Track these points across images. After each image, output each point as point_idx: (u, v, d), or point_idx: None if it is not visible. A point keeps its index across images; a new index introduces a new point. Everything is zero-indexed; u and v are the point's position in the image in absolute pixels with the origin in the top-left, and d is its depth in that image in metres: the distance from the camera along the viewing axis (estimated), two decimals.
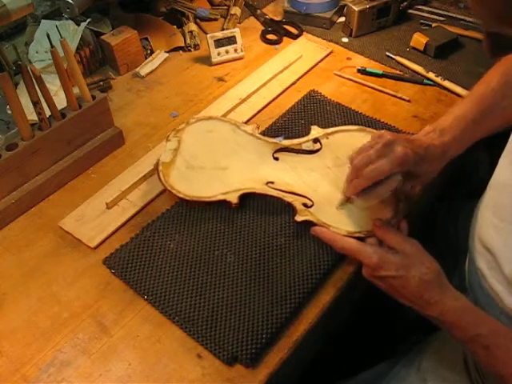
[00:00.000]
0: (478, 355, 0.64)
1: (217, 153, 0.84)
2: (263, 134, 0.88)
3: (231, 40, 1.08)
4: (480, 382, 0.75)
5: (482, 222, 0.74)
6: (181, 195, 0.77)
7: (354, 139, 0.84)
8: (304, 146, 0.84)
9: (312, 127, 0.86)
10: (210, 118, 0.89)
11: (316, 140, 0.85)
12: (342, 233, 0.72)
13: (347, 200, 0.75)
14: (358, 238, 0.71)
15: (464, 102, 0.78)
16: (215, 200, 0.77)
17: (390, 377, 0.82)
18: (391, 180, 0.68)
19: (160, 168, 0.81)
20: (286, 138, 0.87)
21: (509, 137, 0.71)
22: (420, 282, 0.65)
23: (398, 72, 1.04)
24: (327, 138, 0.85)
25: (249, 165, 0.82)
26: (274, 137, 0.87)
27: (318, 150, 0.84)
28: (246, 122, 0.94)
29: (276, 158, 0.83)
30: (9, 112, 0.87)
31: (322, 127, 0.86)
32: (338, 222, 0.73)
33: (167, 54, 1.11)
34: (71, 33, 0.99)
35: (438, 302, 0.65)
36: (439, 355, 0.81)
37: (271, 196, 0.78)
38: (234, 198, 0.77)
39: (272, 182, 0.79)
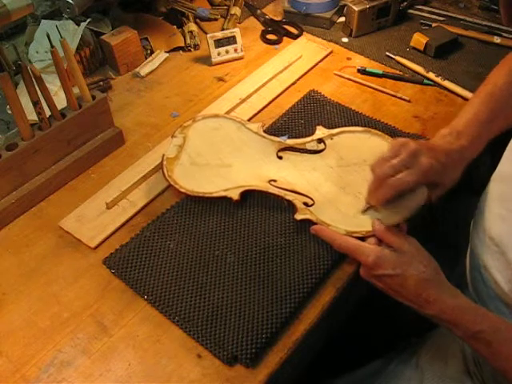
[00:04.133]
0: (481, 352, 0.64)
1: (221, 150, 0.84)
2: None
3: (231, 40, 1.07)
4: (478, 375, 0.75)
5: (487, 213, 0.74)
6: (183, 190, 0.78)
7: (358, 140, 0.84)
8: (308, 146, 0.84)
9: (317, 127, 0.87)
10: (216, 115, 0.90)
11: (320, 140, 0.85)
12: (341, 232, 0.72)
13: (370, 208, 0.74)
14: (358, 238, 0.71)
15: (473, 103, 0.78)
16: (216, 196, 0.77)
17: (386, 373, 0.83)
18: (418, 195, 0.68)
19: (164, 163, 0.81)
20: (289, 138, 0.87)
21: (510, 133, 0.71)
22: (418, 281, 0.65)
23: (397, 72, 1.04)
24: (332, 139, 0.85)
25: (252, 163, 0.82)
26: (278, 135, 0.87)
27: (321, 150, 0.84)
28: None
29: (280, 157, 0.84)
30: (9, 112, 0.87)
31: (323, 127, 0.86)
32: (337, 221, 0.73)
33: (167, 54, 1.11)
34: (71, 33, 0.99)
35: (437, 300, 0.65)
36: (436, 350, 0.81)
37: (272, 194, 0.78)
38: (235, 195, 0.77)
39: (274, 180, 0.80)
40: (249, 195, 0.80)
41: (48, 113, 0.81)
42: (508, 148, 0.72)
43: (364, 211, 0.74)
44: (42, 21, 1.01)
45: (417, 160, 0.67)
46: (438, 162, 0.69)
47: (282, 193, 0.78)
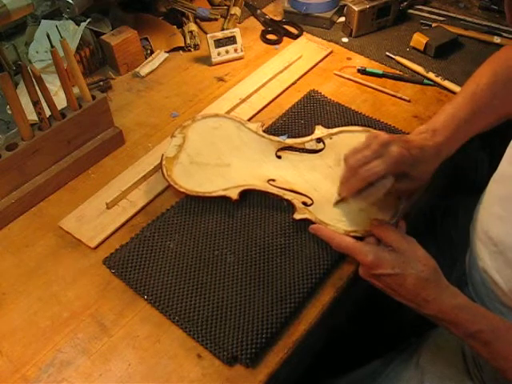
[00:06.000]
0: (479, 351, 0.64)
1: (221, 150, 0.84)
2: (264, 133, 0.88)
3: (231, 40, 1.08)
4: (478, 375, 0.75)
5: (486, 213, 0.74)
6: (182, 190, 0.78)
7: (357, 140, 0.83)
8: (307, 146, 0.84)
9: (316, 127, 0.87)
10: (216, 115, 0.90)
11: (319, 140, 0.85)
12: (339, 231, 0.72)
13: (342, 200, 0.75)
14: (356, 237, 0.71)
15: (455, 100, 0.79)
16: (216, 195, 0.78)
17: (386, 373, 0.83)
18: (384, 182, 0.68)
19: (164, 163, 0.82)
20: (289, 137, 0.87)
21: (509, 134, 0.72)
22: (417, 280, 0.65)
23: (397, 72, 1.04)
24: (331, 138, 0.85)
25: (251, 162, 0.83)
26: (278, 135, 0.87)
27: (320, 150, 0.84)
28: None
29: (279, 157, 0.84)
30: (9, 112, 0.87)
31: (323, 127, 0.87)
32: (336, 220, 0.74)
33: (167, 54, 1.11)
34: (71, 33, 0.99)
35: (436, 299, 0.65)
36: (437, 350, 0.81)
37: (271, 193, 0.78)
38: (234, 194, 0.77)
39: (273, 180, 0.80)
40: (248, 195, 0.80)
41: (48, 113, 0.81)
42: (508, 148, 0.72)
43: (336, 203, 0.75)
44: (42, 21, 1.01)
45: (387, 149, 0.68)
46: (410, 153, 0.69)
47: (280, 192, 0.78)
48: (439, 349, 0.81)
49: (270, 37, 1.15)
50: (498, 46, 1.08)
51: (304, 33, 1.15)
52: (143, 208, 0.81)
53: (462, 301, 0.65)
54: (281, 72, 1.04)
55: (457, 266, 0.90)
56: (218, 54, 1.07)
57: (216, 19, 1.21)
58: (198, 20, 1.19)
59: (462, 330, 0.64)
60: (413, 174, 0.71)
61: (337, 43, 1.13)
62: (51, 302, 0.70)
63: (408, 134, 0.89)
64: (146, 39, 1.11)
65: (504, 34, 1.11)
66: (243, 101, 0.98)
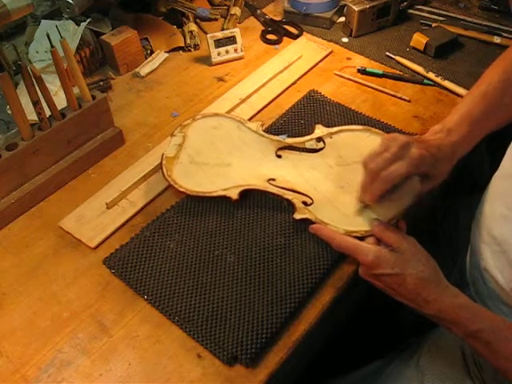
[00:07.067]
0: (480, 351, 0.65)
1: (221, 149, 0.84)
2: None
3: (231, 40, 1.08)
4: (478, 374, 0.75)
5: (489, 212, 0.74)
6: (182, 189, 0.78)
7: (358, 139, 0.84)
8: (307, 145, 0.84)
9: (316, 126, 0.87)
10: (216, 114, 0.90)
11: (319, 139, 0.85)
12: (339, 231, 0.72)
13: (365, 206, 0.74)
14: (357, 238, 0.71)
15: (467, 100, 0.79)
16: (216, 195, 0.78)
17: (386, 373, 0.83)
18: (411, 184, 0.68)
19: (164, 162, 0.81)
20: (289, 137, 0.87)
21: (508, 135, 0.72)
22: (417, 280, 0.65)
23: (397, 72, 1.04)
24: (331, 137, 0.85)
25: (251, 162, 0.82)
26: (278, 135, 0.87)
27: (321, 149, 0.84)
28: None
29: (279, 156, 0.84)
30: (9, 112, 0.87)
31: (323, 126, 0.87)
32: (336, 220, 0.73)
33: (167, 54, 1.11)
34: (71, 33, 0.99)
35: (436, 299, 0.65)
36: (437, 350, 0.81)
37: (271, 193, 0.78)
38: (234, 194, 0.77)
39: (273, 179, 0.80)
40: (248, 194, 0.80)
41: (48, 113, 0.81)
42: (510, 147, 0.72)
43: (359, 211, 0.74)
44: (42, 21, 1.01)
45: (408, 151, 0.68)
46: (429, 153, 0.69)
47: (280, 192, 0.78)
48: (439, 349, 0.81)
49: (270, 37, 1.15)
50: (498, 46, 1.09)
51: (304, 33, 1.15)
52: (143, 208, 0.81)
53: (463, 300, 0.65)
54: (281, 72, 1.04)
55: (457, 266, 0.90)
56: (218, 54, 1.07)
57: (216, 19, 1.21)
58: (197, 20, 1.19)
59: (462, 329, 0.64)
60: (433, 173, 0.72)
61: (337, 43, 1.13)
62: (51, 301, 0.70)
63: (408, 133, 0.89)
64: (146, 39, 1.11)
65: (504, 34, 1.11)
66: (243, 101, 0.98)
